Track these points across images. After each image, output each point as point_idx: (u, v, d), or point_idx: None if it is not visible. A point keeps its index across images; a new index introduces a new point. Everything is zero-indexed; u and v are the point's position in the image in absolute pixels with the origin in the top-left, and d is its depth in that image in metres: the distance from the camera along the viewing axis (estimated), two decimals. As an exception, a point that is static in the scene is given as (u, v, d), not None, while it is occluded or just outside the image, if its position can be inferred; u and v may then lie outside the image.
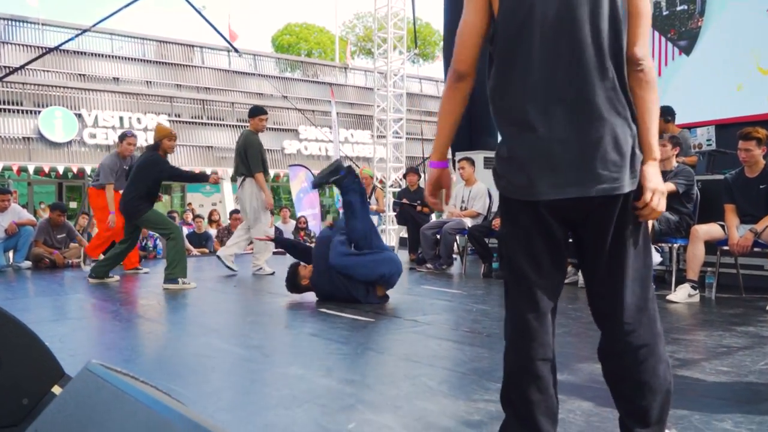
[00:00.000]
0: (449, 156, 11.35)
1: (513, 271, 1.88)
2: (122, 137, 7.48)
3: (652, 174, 1.76)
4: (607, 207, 1.74)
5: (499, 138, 1.90)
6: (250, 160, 7.08)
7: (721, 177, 5.53)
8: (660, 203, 1.76)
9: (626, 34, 1.75)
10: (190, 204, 21.66)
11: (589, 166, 1.71)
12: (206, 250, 10.55)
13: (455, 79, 1.90)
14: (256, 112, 7.29)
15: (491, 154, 9.38)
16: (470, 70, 1.90)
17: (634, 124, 1.76)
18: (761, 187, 5.04)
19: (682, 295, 5.05)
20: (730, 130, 6.04)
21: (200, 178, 7.21)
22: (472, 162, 7.78)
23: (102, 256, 7.15)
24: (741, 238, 4.98)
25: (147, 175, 6.35)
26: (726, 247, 5.16)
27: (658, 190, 1.75)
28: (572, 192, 1.72)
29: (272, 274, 7.13)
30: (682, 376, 2.90)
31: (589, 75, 1.72)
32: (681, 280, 5.31)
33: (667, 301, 5.05)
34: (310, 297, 5.23)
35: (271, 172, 22.61)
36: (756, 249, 5.03)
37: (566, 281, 6.06)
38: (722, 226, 5.20)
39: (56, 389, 2.38)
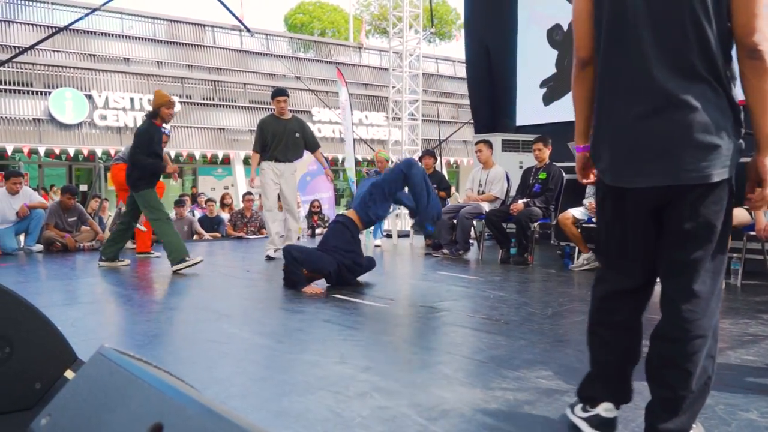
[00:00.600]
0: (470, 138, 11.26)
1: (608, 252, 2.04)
2: (170, 105, 6.92)
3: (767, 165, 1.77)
4: (693, 195, 1.77)
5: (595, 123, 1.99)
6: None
7: (749, 160, 5.41)
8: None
9: (734, 20, 1.72)
10: (194, 188, 21.70)
11: (677, 154, 1.74)
12: (218, 234, 10.54)
13: (580, 67, 2.02)
14: (273, 94, 7.45)
15: (510, 136, 9.30)
16: (591, 54, 1.98)
17: (732, 113, 1.77)
18: None
19: None
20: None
21: (156, 168, 6.36)
22: (489, 145, 7.67)
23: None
24: None
25: (139, 142, 6.28)
26: (753, 233, 5.07)
27: None
28: (658, 180, 1.78)
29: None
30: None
31: (684, 63, 1.74)
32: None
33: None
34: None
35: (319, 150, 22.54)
36: (784, 234, 4.93)
37: (586, 267, 6.03)
38: (749, 211, 5.10)
39: (69, 373, 2.37)
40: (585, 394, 2.08)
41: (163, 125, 6.61)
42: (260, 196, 8.59)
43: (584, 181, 2.15)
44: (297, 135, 7.26)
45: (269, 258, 7.06)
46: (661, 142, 1.76)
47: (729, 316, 3.96)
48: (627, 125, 1.83)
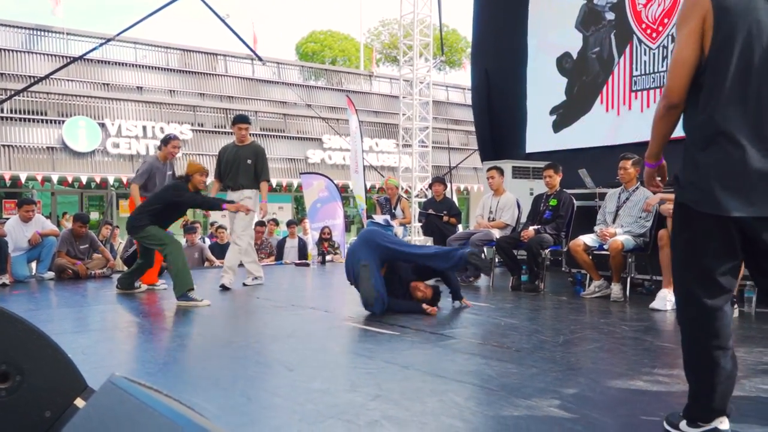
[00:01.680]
0: (477, 165, 11.27)
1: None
2: (166, 140, 7.24)
3: None
4: None
5: (692, 155, 2.18)
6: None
7: None
8: None
9: None
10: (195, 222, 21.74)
11: None
12: (222, 262, 10.54)
13: (669, 108, 2.19)
14: (232, 121, 7.44)
15: (520, 163, 9.32)
16: (683, 100, 2.17)
17: None
18: None
19: (663, 303, 4.96)
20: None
21: (215, 205, 6.56)
22: (501, 171, 7.66)
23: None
24: None
25: (164, 195, 6.29)
26: (767, 260, 5.02)
27: None
28: (755, 211, 2.05)
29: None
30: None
31: None
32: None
33: (651, 310, 4.97)
34: (333, 311, 5.18)
35: (294, 182, 22.69)
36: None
37: (597, 295, 5.98)
38: None
39: (79, 402, 2.35)
40: (695, 415, 2.23)
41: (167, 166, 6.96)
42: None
43: (652, 182, 2.41)
44: (248, 162, 7.02)
45: (224, 287, 6.70)
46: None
47: (744, 345, 3.91)
48: (739, 161, 2.07)
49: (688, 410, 2.25)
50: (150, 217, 6.13)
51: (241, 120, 7.24)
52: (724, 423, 2.18)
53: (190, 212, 22.33)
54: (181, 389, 2.94)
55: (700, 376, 2.20)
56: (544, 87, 10.08)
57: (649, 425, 2.42)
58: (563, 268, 7.55)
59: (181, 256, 6.06)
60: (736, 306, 4.94)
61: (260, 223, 10.65)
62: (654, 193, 8.22)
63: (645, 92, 8.63)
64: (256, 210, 7.14)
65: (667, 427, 2.30)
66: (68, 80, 21.25)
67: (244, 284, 6.99)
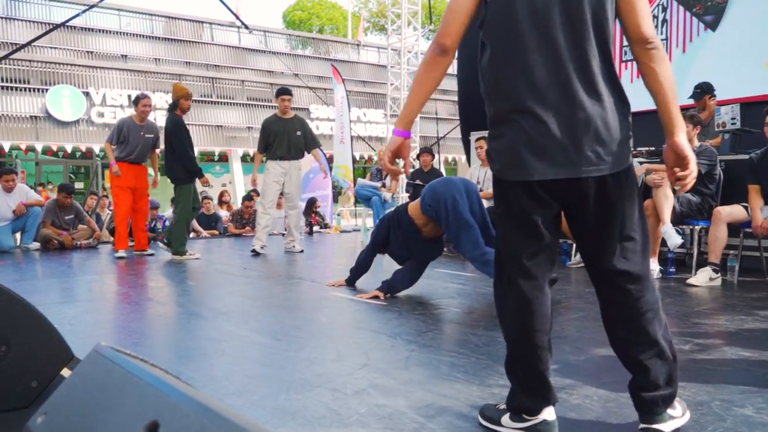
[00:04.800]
0: (461, 135, 11.26)
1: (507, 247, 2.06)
2: (136, 100, 7.30)
3: (686, 143, 1.88)
4: (602, 185, 1.87)
5: (490, 119, 2.01)
6: None
7: (746, 157, 5.40)
8: (694, 169, 1.89)
9: (625, 22, 1.86)
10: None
11: (577, 148, 1.83)
12: (216, 232, 10.54)
13: (438, 53, 1.96)
14: (276, 93, 7.72)
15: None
16: (454, 46, 1.97)
17: (624, 106, 1.90)
18: None
19: (703, 278, 4.97)
20: (755, 109, 5.90)
21: (198, 173, 7.24)
22: (491, 142, 7.67)
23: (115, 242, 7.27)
24: (765, 219, 4.89)
25: (176, 137, 6.92)
26: (749, 229, 5.07)
27: (692, 158, 1.88)
28: (562, 173, 1.85)
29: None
30: (702, 361, 2.84)
31: (574, 62, 1.83)
32: (702, 263, 5.23)
33: (687, 285, 4.98)
34: (321, 281, 5.19)
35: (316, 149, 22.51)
36: (781, 231, 4.93)
37: (582, 264, 6.01)
38: (746, 208, 5.10)
39: (66, 372, 2.36)
40: (523, 406, 2.03)
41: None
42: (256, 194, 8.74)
43: (388, 166, 2.07)
44: (298, 133, 7.44)
45: (255, 253, 7.31)
46: (563, 138, 1.85)
47: (725, 313, 3.97)
48: (529, 123, 1.88)
49: (512, 401, 2.07)
50: (184, 170, 6.98)
51: (285, 92, 7.52)
52: (552, 413, 2.02)
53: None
54: (168, 359, 2.94)
55: (526, 363, 2.04)
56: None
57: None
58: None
59: (183, 224, 7.13)
60: (719, 274, 5.01)
61: (247, 197, 10.62)
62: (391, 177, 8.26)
63: (634, 62, 8.59)
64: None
65: (484, 422, 2.11)
66: (51, 48, 20.92)
67: (254, 252, 7.41)
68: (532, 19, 1.85)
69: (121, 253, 7.02)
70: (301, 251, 7.66)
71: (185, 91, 7.08)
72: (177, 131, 6.92)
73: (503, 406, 2.11)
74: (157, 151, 7.55)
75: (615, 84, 1.88)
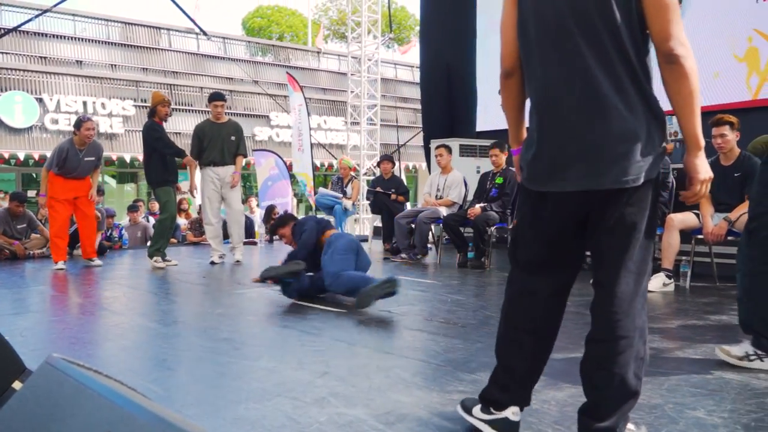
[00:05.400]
0: (424, 144, 11.32)
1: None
2: (78, 124, 6.91)
3: (699, 165, 1.82)
4: (615, 199, 1.83)
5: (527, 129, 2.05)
6: None
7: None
8: (703, 190, 1.85)
9: (650, 28, 1.78)
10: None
11: (597, 159, 1.80)
12: (174, 240, 10.38)
13: (504, 77, 2.07)
14: (208, 99, 7.53)
15: (468, 141, 9.39)
16: (515, 65, 2.03)
17: (654, 118, 1.82)
18: (736, 175, 5.09)
19: (656, 284, 5.09)
20: (706, 119, 6.05)
21: (179, 153, 7.13)
22: (449, 150, 7.73)
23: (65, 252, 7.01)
24: (715, 226, 5.02)
25: (147, 143, 6.96)
26: (701, 236, 5.21)
27: (706, 180, 1.83)
28: (581, 185, 1.83)
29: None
30: (655, 365, 2.90)
31: (597, 71, 1.80)
32: (656, 269, 5.33)
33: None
34: (281, 289, 5.14)
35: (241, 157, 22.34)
36: (730, 238, 5.07)
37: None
38: (697, 215, 5.24)
39: (17, 384, 2.30)
40: (492, 397, 2.09)
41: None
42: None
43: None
44: (233, 138, 7.27)
45: (213, 263, 7.16)
46: (582, 149, 1.83)
47: (678, 317, 4.07)
48: (550, 132, 1.90)
49: (484, 392, 2.14)
50: (165, 171, 6.96)
51: (218, 97, 7.36)
52: (516, 414, 2.07)
53: (134, 190, 21.75)
54: (125, 370, 2.89)
55: (501, 354, 2.12)
56: (493, 67, 10.06)
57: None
58: (509, 245, 7.68)
59: (167, 227, 7.14)
60: (672, 280, 5.13)
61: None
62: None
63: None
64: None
65: (461, 412, 2.20)
66: (3, 53, 20.41)
67: (213, 263, 7.19)
68: (546, 32, 1.86)
69: (60, 264, 6.77)
70: (237, 261, 7.23)
71: (161, 97, 7.06)
72: (148, 137, 6.93)
73: (477, 397, 2.16)
74: (98, 170, 7.30)
75: (642, 95, 1.81)
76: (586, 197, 1.86)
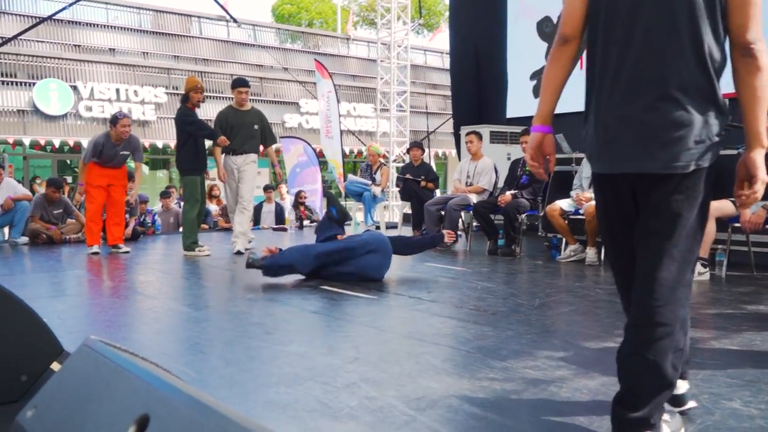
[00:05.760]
0: (455, 131, 11.26)
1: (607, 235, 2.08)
2: (114, 120, 7.02)
3: (759, 162, 1.79)
4: (664, 184, 1.81)
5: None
6: None
7: (735, 152, 5.43)
8: (761, 192, 1.81)
9: (730, 20, 1.77)
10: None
11: (649, 143, 1.79)
12: (206, 226, 10.50)
13: (561, 43, 1.99)
14: (232, 85, 7.32)
15: (498, 128, 9.31)
16: (576, 33, 1.97)
17: (715, 107, 1.80)
18: None
19: None
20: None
21: (212, 135, 7.00)
22: (480, 136, 7.66)
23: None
24: (753, 215, 4.91)
25: (180, 129, 6.91)
26: (737, 224, 5.10)
27: (764, 180, 1.80)
28: (631, 167, 1.83)
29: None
30: (691, 355, 2.86)
31: (665, 56, 1.78)
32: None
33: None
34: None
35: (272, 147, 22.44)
36: (768, 226, 4.95)
37: (573, 259, 6.06)
38: (734, 203, 5.13)
39: (55, 366, 2.35)
40: None
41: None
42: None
43: (531, 163, 2.06)
44: (255, 127, 7.11)
45: (240, 252, 6.86)
46: (635, 133, 1.82)
47: (713, 307, 4.00)
48: (608, 115, 1.88)
49: None
50: (192, 159, 6.89)
51: (242, 83, 7.19)
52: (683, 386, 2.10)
53: (166, 177, 22.01)
54: (158, 353, 2.93)
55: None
56: (524, 51, 10.02)
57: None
58: (539, 233, 7.62)
59: (193, 215, 6.97)
60: (707, 269, 5.04)
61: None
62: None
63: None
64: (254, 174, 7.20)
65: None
66: (38, 41, 20.74)
67: (240, 251, 6.93)
68: (619, 12, 1.84)
69: (94, 248, 6.90)
70: (238, 252, 6.88)
71: (195, 83, 6.98)
72: (181, 123, 6.88)
73: None
74: (140, 166, 7.52)
75: (707, 84, 1.79)
76: (637, 180, 1.85)
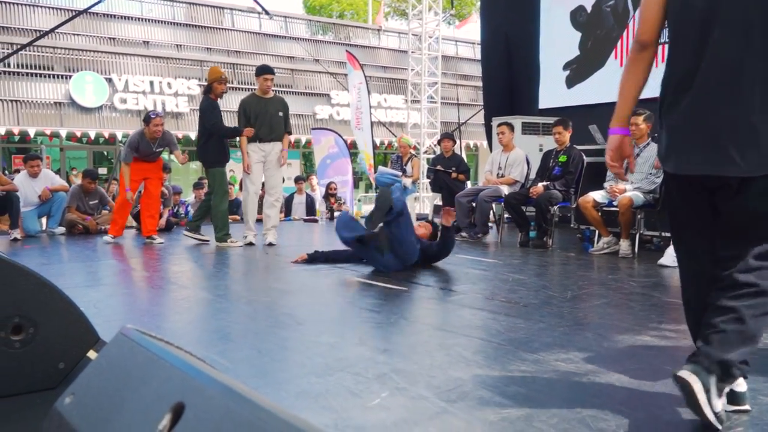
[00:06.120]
0: (485, 122, 11.18)
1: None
2: (147, 119, 7.16)
3: None
4: (746, 186, 1.86)
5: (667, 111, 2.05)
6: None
7: None
8: None
9: None
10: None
11: (729, 146, 1.84)
12: (237, 217, 10.58)
13: (638, 50, 2.07)
14: (258, 71, 7.09)
15: (530, 119, 9.23)
16: (653, 39, 2.06)
17: None
18: None
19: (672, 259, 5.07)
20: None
21: (235, 133, 6.97)
22: (511, 127, 7.59)
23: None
24: None
25: (201, 121, 6.98)
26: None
27: None
28: (712, 169, 1.88)
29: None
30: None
31: (742, 59, 1.82)
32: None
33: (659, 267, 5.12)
34: (342, 266, 5.20)
35: (303, 138, 22.56)
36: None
37: (606, 251, 5.99)
38: None
39: (92, 354, 2.40)
40: None
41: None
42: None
43: (611, 163, 2.15)
44: (280, 114, 7.00)
45: (251, 244, 6.85)
46: (710, 136, 1.87)
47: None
48: (685, 117, 1.93)
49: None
50: (215, 150, 6.90)
51: (269, 70, 7.05)
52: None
53: (199, 168, 22.27)
54: (192, 342, 2.97)
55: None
56: (557, 41, 9.90)
57: (655, 378, 2.44)
58: (572, 225, 7.54)
59: (223, 207, 6.93)
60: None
61: None
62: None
63: (660, 46, 8.45)
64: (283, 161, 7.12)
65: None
66: (74, 34, 21.06)
67: (251, 243, 6.93)
68: (695, 16, 1.88)
69: (108, 238, 7.16)
70: (269, 244, 6.91)
71: (219, 74, 6.97)
72: (203, 115, 6.91)
73: None
74: (178, 152, 7.56)
75: None
76: (718, 182, 1.90)
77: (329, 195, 11.30)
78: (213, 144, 6.89)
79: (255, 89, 7.16)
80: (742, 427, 1.98)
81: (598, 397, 2.23)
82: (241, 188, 11.48)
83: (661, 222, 6.15)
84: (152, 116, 7.13)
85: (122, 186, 7.25)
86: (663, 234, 6.28)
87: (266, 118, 6.91)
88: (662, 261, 5.26)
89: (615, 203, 5.85)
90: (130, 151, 7.07)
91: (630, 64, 2.09)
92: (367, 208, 16.19)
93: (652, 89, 2.07)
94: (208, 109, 6.90)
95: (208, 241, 7.00)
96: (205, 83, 7.00)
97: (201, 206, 7.20)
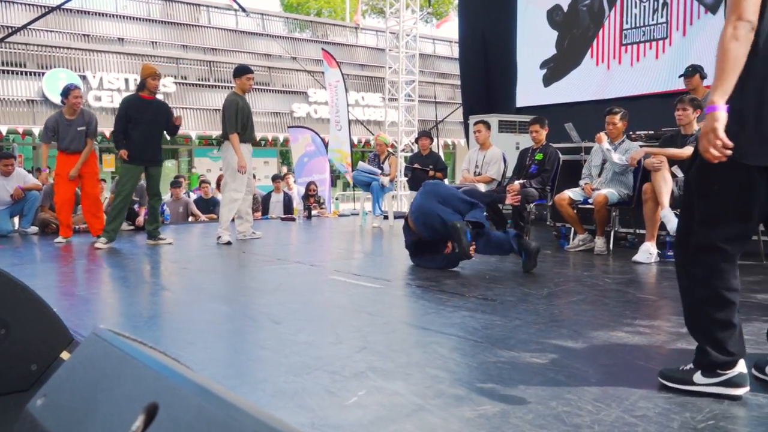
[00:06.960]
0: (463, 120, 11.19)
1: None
2: (66, 92, 6.97)
3: None
4: None
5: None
6: (226, 121, 6.78)
7: None
8: None
9: None
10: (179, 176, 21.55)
11: None
12: (214, 216, 10.52)
13: (749, 29, 2.05)
14: (241, 71, 6.98)
15: (507, 117, 9.27)
16: (757, 22, 2.07)
17: None
18: None
19: (645, 256, 5.14)
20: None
21: (117, 145, 6.68)
22: (488, 126, 7.62)
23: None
24: None
25: (121, 112, 6.68)
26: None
27: None
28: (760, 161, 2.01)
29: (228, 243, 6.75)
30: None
31: None
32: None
33: (633, 263, 5.15)
34: (319, 265, 5.19)
35: (280, 136, 22.48)
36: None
37: (581, 248, 6.05)
38: None
39: (65, 355, 2.37)
40: (719, 360, 2.17)
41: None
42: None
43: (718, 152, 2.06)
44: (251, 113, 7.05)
45: (229, 243, 6.70)
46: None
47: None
48: (755, 105, 2.02)
49: (704, 360, 2.20)
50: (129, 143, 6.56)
51: (250, 70, 7.00)
52: (744, 366, 2.19)
53: (175, 166, 21.99)
54: (168, 342, 2.95)
55: (719, 319, 2.18)
56: (534, 40, 9.97)
57: (629, 373, 2.47)
58: (548, 222, 7.60)
59: (121, 205, 6.65)
60: None
61: None
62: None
63: (635, 46, 8.56)
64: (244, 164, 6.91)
65: (672, 384, 2.26)
66: (47, 31, 20.78)
67: (229, 243, 6.77)
68: None
69: (59, 239, 7.02)
70: (255, 236, 7.19)
71: (152, 70, 6.72)
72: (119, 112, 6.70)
73: (690, 366, 2.24)
74: (91, 142, 7.18)
75: None
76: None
77: (309, 195, 11.26)
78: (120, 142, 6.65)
79: (232, 87, 7.07)
80: (748, 427, 2.01)
81: (573, 393, 2.25)
82: (218, 186, 11.44)
83: (635, 219, 6.22)
84: (71, 87, 7.00)
85: (58, 182, 7.10)
86: (637, 231, 6.36)
87: (250, 119, 6.94)
88: (636, 258, 5.32)
89: (590, 200, 5.91)
90: (47, 129, 6.99)
91: (740, 44, 2.04)
92: (345, 207, 16.17)
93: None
94: (121, 108, 6.75)
95: (171, 243, 6.83)
96: (183, 81, 6.88)
97: (149, 211, 6.95)
